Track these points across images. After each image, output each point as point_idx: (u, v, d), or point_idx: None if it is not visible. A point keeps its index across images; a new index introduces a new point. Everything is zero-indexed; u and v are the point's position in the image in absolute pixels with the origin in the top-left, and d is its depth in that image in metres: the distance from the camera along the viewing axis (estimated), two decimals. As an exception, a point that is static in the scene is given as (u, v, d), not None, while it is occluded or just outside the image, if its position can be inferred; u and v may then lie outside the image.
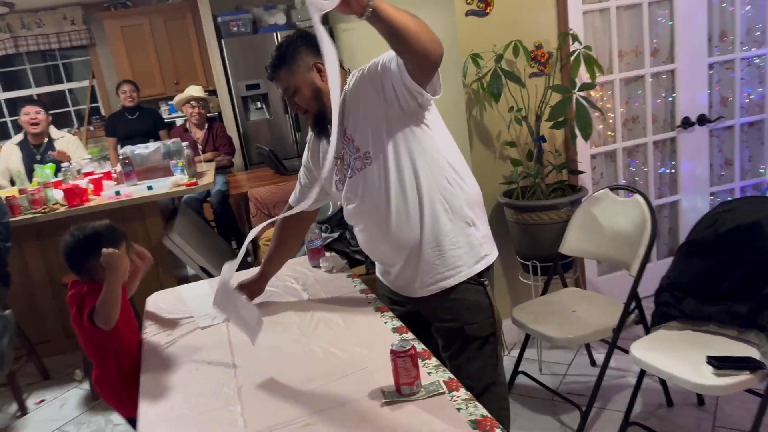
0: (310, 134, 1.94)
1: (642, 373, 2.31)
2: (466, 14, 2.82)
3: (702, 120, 3.38)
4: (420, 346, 1.63)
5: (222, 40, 5.63)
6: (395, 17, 1.41)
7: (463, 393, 1.43)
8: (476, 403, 1.39)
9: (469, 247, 1.77)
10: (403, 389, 1.43)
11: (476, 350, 1.82)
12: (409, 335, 1.73)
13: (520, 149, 3.01)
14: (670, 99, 3.39)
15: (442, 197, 1.73)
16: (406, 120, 1.69)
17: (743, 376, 1.90)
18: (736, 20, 3.38)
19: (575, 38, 2.81)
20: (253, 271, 2.14)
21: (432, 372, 1.52)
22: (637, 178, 3.45)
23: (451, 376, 1.51)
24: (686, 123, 3.37)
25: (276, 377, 1.59)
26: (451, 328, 1.81)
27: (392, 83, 1.62)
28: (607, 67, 3.19)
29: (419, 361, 1.50)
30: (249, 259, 4.85)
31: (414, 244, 1.76)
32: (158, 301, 2.24)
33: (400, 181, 1.72)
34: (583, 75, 2.87)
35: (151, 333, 1.98)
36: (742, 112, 3.52)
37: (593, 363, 2.92)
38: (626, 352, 2.54)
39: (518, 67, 2.88)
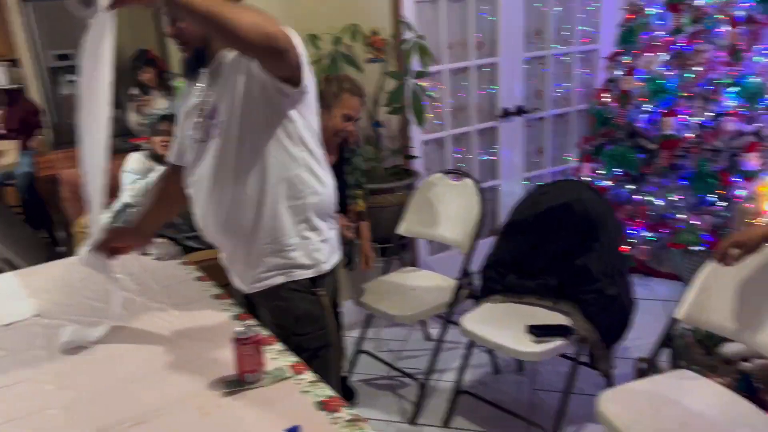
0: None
1: (471, 344, 2.46)
2: (304, -6, 2.78)
3: (520, 111, 3.69)
4: (265, 332, 1.58)
5: (27, 3, 4.97)
6: (196, 5, 1.27)
7: (309, 375, 1.41)
8: (322, 384, 1.38)
9: (305, 251, 1.66)
10: (246, 377, 1.38)
11: (305, 362, 1.62)
12: (253, 322, 1.67)
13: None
14: (492, 90, 3.64)
15: (290, 194, 1.62)
16: (271, 106, 1.55)
17: (557, 342, 2.11)
18: (549, 19, 3.72)
19: (409, 27, 2.90)
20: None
21: (277, 357, 1.48)
22: (462, 165, 3.67)
23: (298, 359, 1.48)
24: (505, 113, 3.65)
25: (101, 376, 1.44)
26: (280, 334, 1.66)
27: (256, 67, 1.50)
28: (436, 57, 3.33)
29: (263, 347, 1.45)
30: (61, 249, 4.39)
31: (245, 233, 1.64)
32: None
33: (244, 165, 1.58)
34: (416, 63, 2.97)
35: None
36: (553, 104, 3.90)
37: (427, 337, 3.08)
38: (455, 324, 2.72)
39: (355, 51, 2.91)
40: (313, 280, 1.69)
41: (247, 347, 1.37)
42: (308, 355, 1.58)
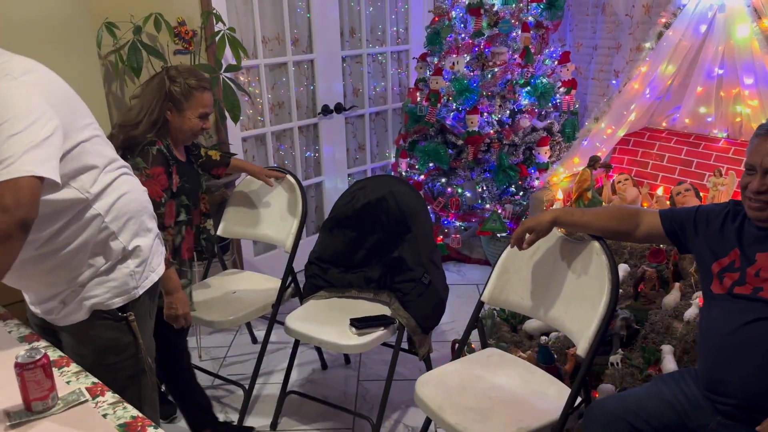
0: None
1: (297, 343, 2.44)
2: (98, -22, 2.54)
3: (339, 108, 3.73)
4: (55, 354, 1.42)
5: None
6: None
7: (110, 397, 1.29)
8: (125, 404, 1.27)
9: (109, 286, 1.51)
10: (34, 405, 1.22)
11: (118, 392, 1.42)
12: (41, 342, 1.49)
13: (168, 130, 2.87)
14: (311, 87, 3.65)
15: (67, 239, 1.44)
16: None
17: (378, 332, 2.17)
18: (363, 19, 3.81)
19: (218, 18, 2.79)
20: None
21: (72, 380, 1.34)
22: (286, 162, 3.63)
23: (95, 380, 1.34)
24: (326, 110, 3.68)
25: None
26: (84, 364, 1.48)
27: None
28: (252, 52, 3.25)
29: (55, 370, 1.30)
30: None
31: (39, 284, 1.50)
32: None
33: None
34: (229, 57, 2.87)
35: None
36: (370, 102, 4.01)
37: (254, 340, 3.00)
38: (282, 323, 2.68)
39: (161, 42, 2.73)
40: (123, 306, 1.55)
41: (32, 372, 1.21)
42: (119, 385, 1.44)
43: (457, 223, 3.63)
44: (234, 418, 2.44)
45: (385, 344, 2.33)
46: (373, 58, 3.96)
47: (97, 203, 1.47)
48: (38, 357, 1.22)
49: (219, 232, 2.66)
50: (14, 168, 1.22)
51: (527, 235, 1.78)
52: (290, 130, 3.60)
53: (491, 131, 3.38)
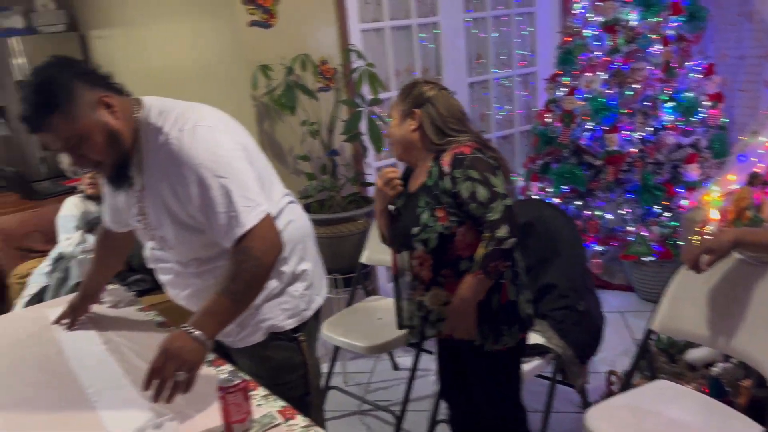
0: None
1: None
2: (250, 24, 2.73)
3: (467, 133, 3.73)
4: (247, 377, 1.49)
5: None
6: (230, 319, 1.40)
7: (301, 420, 1.34)
8: (316, 428, 1.31)
9: (283, 308, 1.60)
10: (235, 428, 1.29)
11: None
12: (227, 366, 1.58)
13: (312, 163, 3.00)
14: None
15: None
16: None
17: (534, 363, 2.10)
18: (489, 44, 3.81)
19: (359, 54, 2.89)
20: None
21: (262, 403, 1.40)
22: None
23: (284, 404, 1.40)
24: (455, 136, 3.69)
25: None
26: (260, 384, 1.56)
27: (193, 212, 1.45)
28: (385, 85, 3.35)
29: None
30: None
31: None
32: None
33: (194, 253, 1.54)
34: (366, 91, 2.97)
35: None
36: (497, 126, 3.98)
37: (395, 367, 3.01)
38: (429, 352, 2.68)
39: (306, 81, 2.87)
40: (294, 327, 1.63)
41: (233, 396, 1.28)
42: (290, 405, 1.48)
43: (597, 247, 3.49)
44: (385, 444, 2.45)
45: (539, 375, 2.25)
46: (498, 82, 3.95)
47: None
48: (238, 381, 1.29)
49: (363, 260, 2.72)
50: (255, 214, 1.39)
51: (705, 257, 1.66)
52: (420, 158, 3.64)
53: (633, 150, 3.24)
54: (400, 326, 1.92)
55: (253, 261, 1.37)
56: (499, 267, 1.66)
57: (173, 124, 1.42)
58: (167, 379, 1.29)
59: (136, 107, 1.46)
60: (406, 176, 1.89)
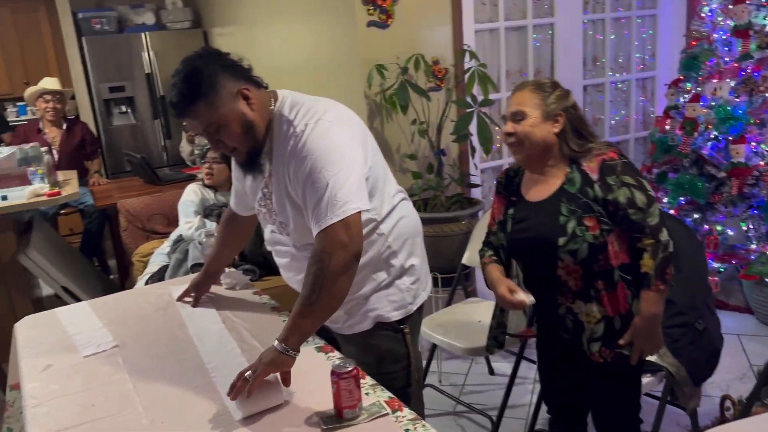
0: None
1: (545, 380, 2.36)
2: (368, 25, 2.79)
3: (578, 138, 3.62)
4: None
5: (82, 38, 5.14)
6: (309, 326, 1.45)
7: (407, 413, 1.36)
8: (424, 422, 1.32)
9: (390, 299, 1.64)
10: (345, 413, 1.33)
11: None
12: (336, 353, 1.63)
13: (419, 162, 3.03)
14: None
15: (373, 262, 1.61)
16: None
17: (645, 380, 2.01)
18: (606, 47, 3.68)
19: (473, 55, 2.88)
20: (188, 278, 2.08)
21: (369, 392, 1.43)
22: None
23: (391, 395, 1.43)
24: (564, 141, 3.59)
25: (192, 408, 1.40)
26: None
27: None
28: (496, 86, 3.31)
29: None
30: (112, 277, 4.43)
31: None
32: (30, 328, 1.92)
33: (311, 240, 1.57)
34: (476, 91, 2.95)
35: (27, 365, 1.68)
36: (611, 132, 3.83)
37: (491, 371, 2.98)
38: (529, 360, 2.63)
39: (417, 81, 2.90)
40: (400, 319, 1.66)
41: (346, 381, 1.32)
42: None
43: (715, 264, 3.28)
44: (478, 448, 2.43)
45: (647, 394, 2.15)
46: (615, 86, 3.80)
47: (383, 224, 1.61)
48: (351, 367, 1.33)
49: (464, 261, 2.71)
50: (342, 210, 1.40)
51: None
52: (527, 162, 3.57)
53: (761, 162, 3.02)
54: (506, 334, 1.89)
55: (319, 265, 1.40)
56: (671, 273, 1.61)
57: (302, 117, 1.50)
58: (253, 381, 1.34)
59: (272, 99, 1.55)
60: (509, 181, 1.83)
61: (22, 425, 1.81)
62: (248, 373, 1.34)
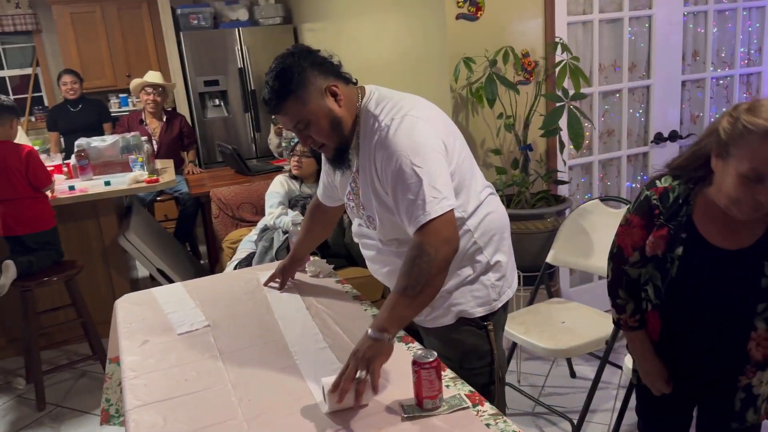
0: None
1: (631, 387, 2.28)
2: (457, 17, 2.77)
3: (673, 136, 3.45)
4: (436, 356, 1.53)
5: (180, 33, 5.41)
6: (409, 316, 1.43)
7: (488, 408, 1.34)
8: (505, 418, 1.30)
9: (475, 295, 1.63)
10: (425, 403, 1.33)
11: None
12: (416, 345, 1.63)
13: (504, 157, 2.98)
14: (644, 115, 3.44)
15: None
16: None
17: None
18: (708, 41, 3.48)
19: (565, 48, 2.80)
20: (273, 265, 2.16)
21: (450, 385, 1.43)
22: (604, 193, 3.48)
23: (472, 389, 1.42)
24: (659, 138, 3.43)
25: (280, 390, 1.45)
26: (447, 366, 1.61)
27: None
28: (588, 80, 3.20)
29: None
30: (202, 262, 4.64)
31: None
32: (129, 306, 2.05)
33: (399, 234, 1.60)
34: (568, 85, 2.87)
35: (126, 340, 1.79)
36: (710, 130, 3.62)
37: (573, 374, 2.90)
38: (614, 364, 2.54)
39: (506, 74, 2.85)
40: (483, 316, 1.65)
41: (428, 372, 1.32)
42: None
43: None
44: (557, 451, 2.38)
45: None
46: (716, 81, 3.58)
47: (470, 220, 1.59)
48: (432, 358, 1.33)
49: (548, 260, 2.65)
50: (440, 206, 1.41)
51: None
52: (618, 159, 3.44)
53: None
54: None
55: (426, 257, 1.39)
56: None
57: (387, 113, 1.51)
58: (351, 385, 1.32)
59: (360, 95, 1.56)
60: (676, 208, 1.44)
61: (119, 396, 1.94)
62: (360, 373, 1.32)
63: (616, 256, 1.61)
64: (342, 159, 1.59)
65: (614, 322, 1.69)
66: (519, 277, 2.77)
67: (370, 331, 1.38)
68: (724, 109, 3.64)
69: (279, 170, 4.07)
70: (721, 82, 3.63)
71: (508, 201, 2.87)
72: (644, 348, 1.60)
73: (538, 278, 2.68)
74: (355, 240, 1.80)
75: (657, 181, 1.50)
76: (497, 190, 2.86)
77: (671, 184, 1.47)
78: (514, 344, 2.61)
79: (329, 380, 1.34)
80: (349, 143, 1.57)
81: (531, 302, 2.71)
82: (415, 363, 1.33)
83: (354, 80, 1.58)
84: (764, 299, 1.37)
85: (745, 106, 1.32)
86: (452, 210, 1.44)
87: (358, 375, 1.32)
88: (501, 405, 1.72)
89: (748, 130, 1.27)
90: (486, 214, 1.63)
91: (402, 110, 1.51)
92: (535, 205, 2.84)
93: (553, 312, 2.57)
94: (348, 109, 1.53)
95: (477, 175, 1.66)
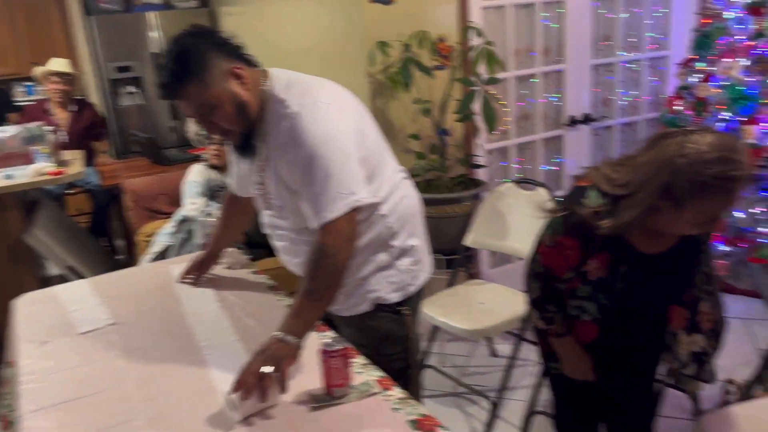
0: None
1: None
2: (372, 1, 2.74)
3: (587, 119, 3.57)
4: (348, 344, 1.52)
5: (90, 17, 5.12)
6: (315, 318, 1.44)
7: (397, 392, 1.35)
8: (414, 402, 1.31)
9: (390, 281, 1.62)
10: (334, 392, 1.32)
11: None
12: (329, 333, 1.62)
13: (422, 142, 2.99)
14: (558, 98, 3.53)
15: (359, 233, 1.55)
16: None
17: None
18: (617, 26, 3.60)
19: (480, 33, 2.83)
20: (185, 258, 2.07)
21: (361, 371, 1.42)
22: (521, 175, 3.56)
23: (383, 374, 1.42)
24: (573, 121, 3.54)
25: (185, 387, 1.40)
26: (362, 354, 1.58)
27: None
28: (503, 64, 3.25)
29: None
30: (121, 257, 4.45)
31: None
32: (29, 305, 1.93)
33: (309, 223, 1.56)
34: (482, 70, 2.90)
35: (24, 342, 1.69)
36: (621, 113, 3.76)
37: (493, 353, 2.97)
38: (531, 342, 2.61)
39: (422, 59, 2.85)
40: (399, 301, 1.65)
41: (335, 360, 1.31)
42: (390, 376, 1.49)
43: (723, 248, 3.22)
44: (478, 428, 2.43)
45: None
46: (625, 66, 3.72)
47: (384, 205, 1.58)
48: (340, 347, 1.32)
49: (467, 243, 2.69)
50: (346, 203, 1.40)
51: None
52: (533, 143, 3.53)
53: (773, 144, 2.95)
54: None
55: (329, 259, 1.40)
56: None
57: (297, 99, 1.46)
58: (256, 380, 1.27)
59: (264, 79, 1.50)
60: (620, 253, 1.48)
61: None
62: (267, 368, 1.28)
63: (542, 275, 1.60)
64: (248, 146, 1.54)
65: (539, 331, 1.72)
66: (441, 260, 2.82)
67: (277, 333, 1.36)
68: (635, 92, 3.79)
69: (197, 159, 3.94)
70: (631, 66, 3.77)
71: (427, 185, 2.89)
72: (575, 349, 1.65)
73: (457, 261, 2.71)
74: (266, 231, 1.75)
75: (584, 200, 1.45)
76: (416, 175, 2.90)
77: (599, 203, 1.43)
78: (436, 327, 2.64)
79: (235, 395, 1.27)
80: (255, 129, 1.52)
81: (451, 285, 2.74)
82: (322, 352, 1.32)
83: (257, 63, 1.53)
84: (684, 288, 1.53)
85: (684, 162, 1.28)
86: (355, 209, 1.42)
87: (263, 370, 1.28)
88: (416, 388, 1.73)
89: (708, 186, 1.26)
90: (400, 198, 1.62)
91: (312, 96, 1.46)
92: (453, 189, 2.87)
93: (471, 293, 2.62)
94: (254, 92, 1.47)
95: (388, 160, 1.65)
